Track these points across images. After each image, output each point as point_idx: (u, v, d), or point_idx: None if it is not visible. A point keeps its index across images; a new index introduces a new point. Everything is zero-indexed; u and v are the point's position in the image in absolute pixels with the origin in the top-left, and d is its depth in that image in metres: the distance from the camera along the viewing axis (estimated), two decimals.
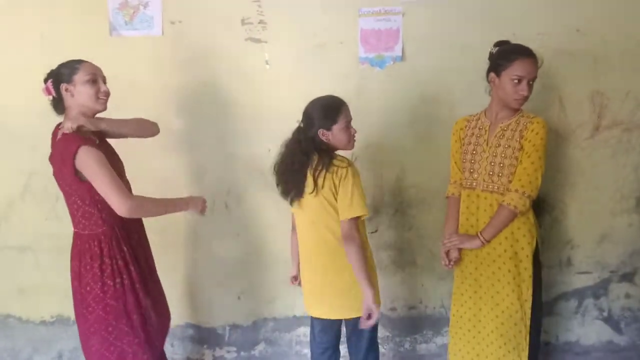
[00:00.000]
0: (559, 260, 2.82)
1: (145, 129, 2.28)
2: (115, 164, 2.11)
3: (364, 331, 2.23)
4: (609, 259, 2.85)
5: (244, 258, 2.84)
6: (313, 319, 2.31)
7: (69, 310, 2.79)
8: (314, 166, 2.07)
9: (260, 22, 2.62)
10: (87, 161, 1.94)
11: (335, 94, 2.21)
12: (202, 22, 2.62)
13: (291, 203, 2.18)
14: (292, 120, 2.50)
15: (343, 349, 2.41)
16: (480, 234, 2.20)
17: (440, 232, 2.80)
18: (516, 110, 2.20)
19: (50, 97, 2.07)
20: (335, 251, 2.13)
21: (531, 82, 2.12)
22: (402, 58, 2.64)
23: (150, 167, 2.74)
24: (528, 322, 2.20)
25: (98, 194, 1.98)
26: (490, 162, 2.20)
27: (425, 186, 2.76)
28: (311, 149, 2.09)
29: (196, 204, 2.22)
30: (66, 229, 2.64)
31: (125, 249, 2.10)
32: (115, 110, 2.70)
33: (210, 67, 2.65)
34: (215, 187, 2.77)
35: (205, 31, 2.62)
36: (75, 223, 2.09)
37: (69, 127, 1.96)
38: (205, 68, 2.65)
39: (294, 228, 2.32)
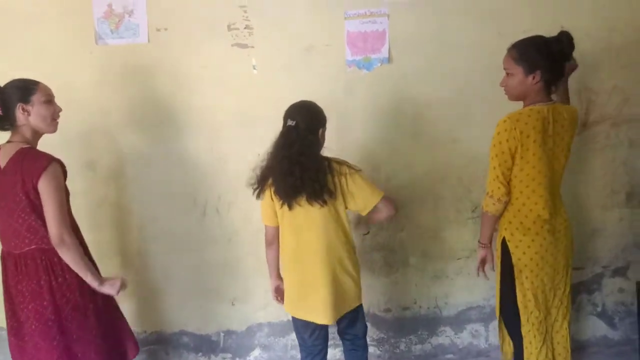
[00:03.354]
0: None
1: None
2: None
3: (357, 322, 2.30)
4: (601, 254, 2.87)
5: (237, 263, 2.83)
6: (302, 325, 2.27)
7: None
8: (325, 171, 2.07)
9: (247, 27, 2.62)
10: (52, 180, 1.97)
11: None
12: (188, 28, 2.61)
13: (290, 208, 2.11)
14: (280, 125, 2.51)
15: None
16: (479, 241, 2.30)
17: (432, 230, 2.82)
18: (527, 105, 2.13)
19: None
20: (340, 254, 2.16)
21: (509, 73, 2.12)
22: (389, 60, 2.64)
23: (141, 174, 2.74)
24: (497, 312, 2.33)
25: (42, 210, 1.99)
26: None
27: (415, 186, 2.77)
28: (319, 151, 2.12)
29: (111, 285, 2.10)
30: None
31: None
32: (104, 117, 2.71)
33: (197, 74, 2.64)
34: (206, 193, 2.76)
35: (192, 38, 2.62)
36: (19, 240, 2.04)
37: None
38: (193, 74, 2.65)
39: (272, 241, 2.28)
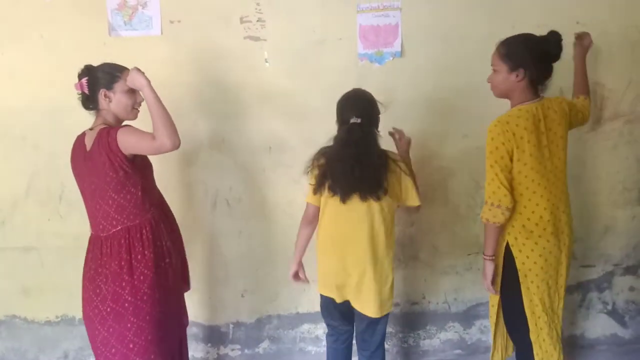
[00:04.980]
0: None
1: (170, 135, 2.02)
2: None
3: (379, 326, 2.27)
4: (612, 252, 2.85)
5: (247, 256, 2.84)
6: (331, 307, 2.29)
7: (74, 310, 2.83)
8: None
9: (259, 20, 2.62)
10: (125, 132, 2.03)
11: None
12: (201, 21, 2.62)
13: (343, 203, 2.11)
14: (291, 118, 2.52)
15: None
16: (483, 253, 2.19)
17: (442, 226, 2.81)
18: (514, 104, 2.12)
19: (80, 92, 2.11)
20: (379, 246, 2.17)
21: (495, 69, 2.12)
22: (402, 54, 2.64)
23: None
24: (493, 323, 2.31)
25: (131, 185, 2.07)
26: None
27: (426, 181, 2.75)
28: (380, 145, 2.15)
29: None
30: (69, 229, 2.69)
31: (165, 232, 2.22)
32: None
33: (209, 66, 2.65)
34: (217, 186, 2.78)
35: (204, 30, 2.63)
36: (107, 222, 2.09)
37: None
38: (205, 67, 2.65)
39: (312, 221, 2.26)
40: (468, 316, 2.92)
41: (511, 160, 2.03)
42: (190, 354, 2.91)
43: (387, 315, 2.28)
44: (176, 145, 2.02)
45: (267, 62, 2.65)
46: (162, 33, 2.63)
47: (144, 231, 2.12)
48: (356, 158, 2.05)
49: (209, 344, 2.94)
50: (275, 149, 2.69)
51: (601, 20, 2.59)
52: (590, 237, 2.82)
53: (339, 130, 2.14)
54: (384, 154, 2.13)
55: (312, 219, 2.26)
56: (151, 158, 2.29)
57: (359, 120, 2.06)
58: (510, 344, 2.38)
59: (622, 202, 2.79)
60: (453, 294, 2.90)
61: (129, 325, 2.08)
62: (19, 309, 2.88)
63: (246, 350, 2.95)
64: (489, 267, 2.16)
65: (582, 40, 2.43)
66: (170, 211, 2.35)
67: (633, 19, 2.60)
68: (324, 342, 2.80)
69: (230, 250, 2.84)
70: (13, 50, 2.63)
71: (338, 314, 2.31)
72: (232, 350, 2.95)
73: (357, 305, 2.22)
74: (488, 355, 2.88)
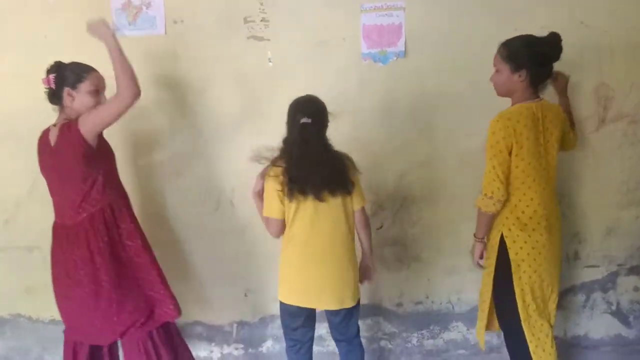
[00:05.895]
0: (566, 254, 2.81)
1: (129, 85, 2.04)
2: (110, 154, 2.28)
3: (354, 317, 2.32)
4: (616, 253, 2.84)
5: (250, 255, 2.85)
6: (293, 314, 2.30)
7: None
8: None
9: (263, 20, 2.62)
10: (85, 117, 2.08)
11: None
12: (205, 21, 2.63)
13: (320, 201, 2.12)
14: None
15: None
16: (474, 235, 2.32)
17: (445, 226, 2.81)
18: (515, 102, 2.19)
19: (47, 87, 2.17)
20: (349, 244, 2.22)
21: (497, 70, 2.19)
22: (405, 53, 2.63)
23: (154, 164, 2.76)
24: (485, 307, 2.35)
25: (95, 171, 2.13)
26: None
27: (429, 181, 2.76)
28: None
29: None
30: None
31: (128, 215, 2.28)
32: None
33: (213, 66, 2.66)
34: (221, 185, 2.78)
35: (208, 30, 2.63)
36: (74, 211, 2.16)
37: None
38: (208, 67, 2.66)
39: (279, 235, 2.27)
40: (472, 316, 2.90)
41: (510, 154, 2.11)
42: (194, 353, 2.92)
43: (358, 308, 2.32)
44: (137, 93, 2.04)
45: (270, 61, 2.66)
46: (166, 33, 2.63)
47: (105, 215, 2.18)
48: (317, 154, 2.09)
49: (213, 343, 2.95)
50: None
51: (605, 21, 2.58)
52: (594, 237, 2.81)
53: (289, 133, 2.16)
54: (339, 152, 2.18)
55: (279, 234, 2.25)
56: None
57: (309, 120, 2.09)
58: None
59: (626, 202, 2.78)
60: (456, 293, 2.89)
61: (110, 302, 2.19)
62: (22, 308, 2.89)
63: (250, 350, 2.96)
64: (478, 248, 2.31)
65: (557, 81, 2.42)
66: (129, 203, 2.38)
67: (635, 20, 2.59)
68: (327, 342, 2.81)
69: (234, 250, 2.85)
70: (17, 51, 2.64)
71: (303, 319, 2.31)
72: (236, 349, 2.96)
73: (332, 304, 2.22)
74: (492, 356, 2.89)
